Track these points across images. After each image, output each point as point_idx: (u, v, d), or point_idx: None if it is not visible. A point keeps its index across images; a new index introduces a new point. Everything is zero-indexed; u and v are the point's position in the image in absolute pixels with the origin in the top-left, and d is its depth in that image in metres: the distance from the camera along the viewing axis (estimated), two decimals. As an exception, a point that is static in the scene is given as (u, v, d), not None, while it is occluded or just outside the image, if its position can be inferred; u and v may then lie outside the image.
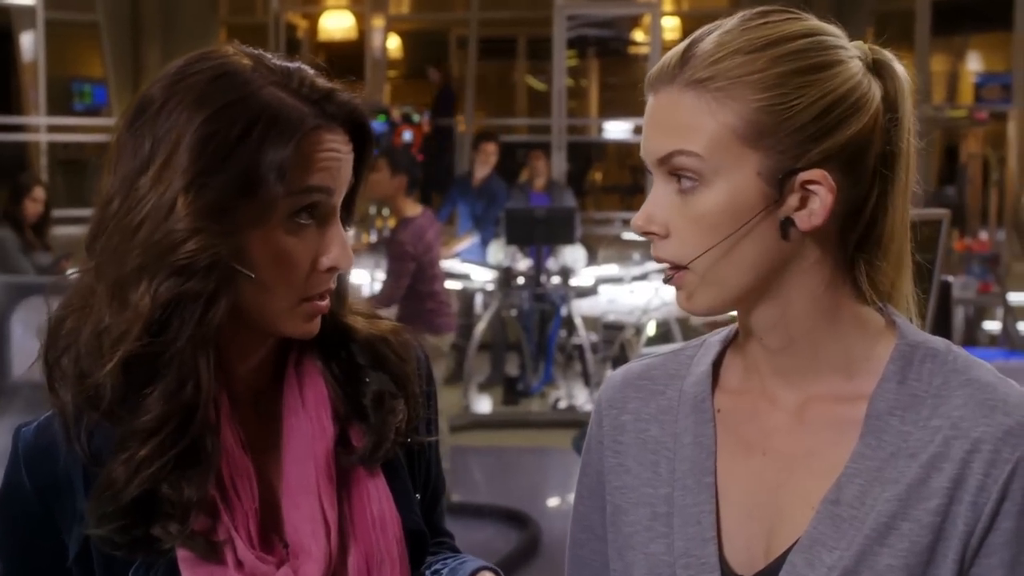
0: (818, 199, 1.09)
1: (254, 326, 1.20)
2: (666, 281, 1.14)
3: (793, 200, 1.09)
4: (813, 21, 1.12)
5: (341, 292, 1.26)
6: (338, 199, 1.19)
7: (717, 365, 1.22)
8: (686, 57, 1.11)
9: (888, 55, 1.14)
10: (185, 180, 1.12)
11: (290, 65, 1.19)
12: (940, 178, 10.47)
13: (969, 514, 1.08)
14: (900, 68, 1.14)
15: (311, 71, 1.20)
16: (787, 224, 1.09)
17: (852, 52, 1.12)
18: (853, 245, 1.14)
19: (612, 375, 1.30)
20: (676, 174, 1.10)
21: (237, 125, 1.13)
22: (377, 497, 1.23)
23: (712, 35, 1.11)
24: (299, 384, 1.24)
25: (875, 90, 1.11)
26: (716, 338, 1.25)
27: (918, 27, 10.53)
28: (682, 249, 1.11)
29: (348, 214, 1.24)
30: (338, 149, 1.18)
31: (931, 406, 1.11)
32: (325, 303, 1.20)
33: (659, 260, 1.13)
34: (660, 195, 1.12)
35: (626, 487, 1.22)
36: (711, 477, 1.17)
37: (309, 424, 1.23)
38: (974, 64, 12.13)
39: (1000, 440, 1.08)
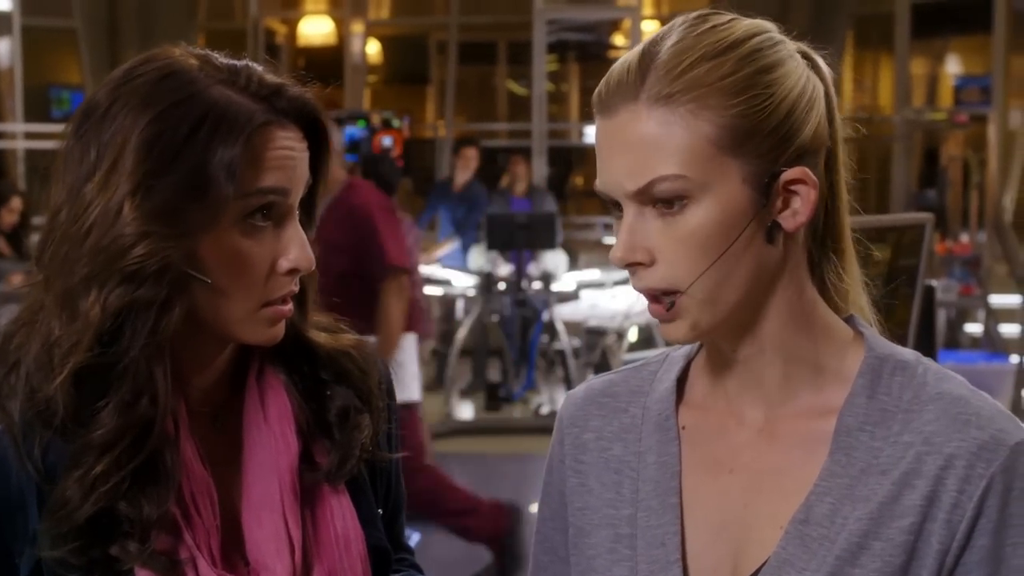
0: (799, 198, 1.07)
1: (212, 334, 1.16)
2: (659, 317, 1.07)
3: (778, 203, 1.06)
4: (751, 19, 1.09)
5: (304, 304, 1.22)
6: (295, 199, 1.16)
7: (681, 381, 1.19)
8: (643, 71, 1.05)
9: (808, 48, 1.11)
10: (132, 183, 1.09)
11: (237, 63, 1.16)
12: (921, 181, 10.48)
13: (944, 532, 1.04)
14: (822, 62, 1.11)
15: (259, 68, 1.17)
16: (773, 228, 1.06)
17: (791, 47, 1.09)
18: (818, 246, 1.12)
19: (573, 392, 1.26)
20: (657, 200, 1.05)
21: (184, 125, 1.10)
22: (341, 514, 1.20)
23: (665, 45, 1.06)
24: (261, 397, 1.21)
25: (818, 84, 1.09)
26: (679, 353, 1.21)
27: (897, 30, 10.56)
28: (673, 273, 1.05)
29: (309, 216, 1.21)
30: (291, 147, 1.15)
31: (902, 421, 1.08)
32: (288, 307, 1.17)
33: (646, 291, 1.07)
34: (636, 222, 1.06)
35: (588, 508, 1.18)
36: (676, 497, 1.13)
37: (272, 439, 1.19)
38: (953, 67, 12.17)
39: (974, 455, 1.04)
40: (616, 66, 1.08)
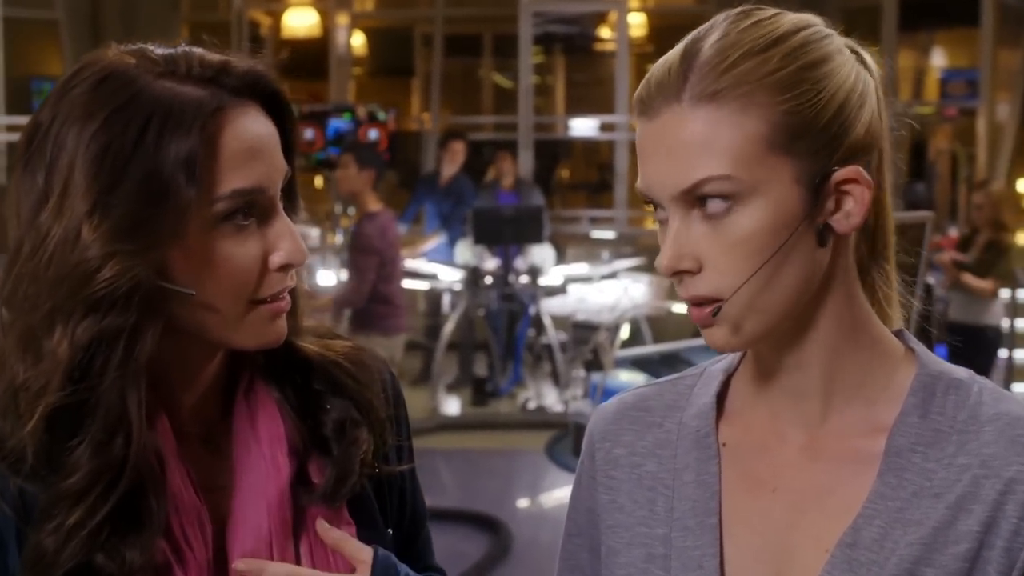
0: (852, 199, 1.01)
1: (200, 345, 1.09)
2: (701, 323, 1.02)
3: (830, 204, 1.01)
4: (797, 13, 1.04)
5: (294, 312, 1.14)
6: (275, 190, 1.07)
7: (721, 396, 1.13)
8: (685, 70, 0.99)
9: (857, 44, 1.07)
10: (87, 203, 1.01)
11: (174, 51, 1.07)
12: (909, 174, 10.47)
13: (1003, 560, 0.99)
14: (870, 58, 1.06)
15: (199, 50, 1.08)
16: (825, 230, 1.01)
17: (839, 42, 1.04)
18: (867, 251, 1.07)
19: (604, 405, 1.20)
20: (704, 200, 0.99)
21: (130, 129, 1.01)
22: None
23: (708, 41, 1.00)
24: (251, 416, 1.14)
25: (869, 80, 1.04)
26: (718, 367, 1.15)
27: (885, 23, 10.55)
28: (722, 280, 0.99)
29: (291, 199, 1.13)
30: (256, 132, 1.06)
31: (957, 443, 1.03)
32: (285, 303, 1.09)
33: (694, 299, 1.01)
34: (682, 227, 0.99)
35: (619, 526, 1.13)
36: (715, 517, 1.07)
37: (262, 461, 1.12)
38: (939, 60, 12.16)
39: None
40: (656, 66, 1.02)
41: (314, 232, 8.31)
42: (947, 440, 1.03)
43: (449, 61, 12.45)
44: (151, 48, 1.08)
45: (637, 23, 11.69)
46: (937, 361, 1.08)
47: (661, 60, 1.03)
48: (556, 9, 11.12)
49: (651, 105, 1.01)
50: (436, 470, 6.72)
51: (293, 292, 1.14)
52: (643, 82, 1.03)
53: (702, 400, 1.13)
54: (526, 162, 9.86)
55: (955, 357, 6.13)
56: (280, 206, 1.08)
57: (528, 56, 10.08)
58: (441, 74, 12.08)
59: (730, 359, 1.14)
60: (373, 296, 5.75)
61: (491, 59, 13.88)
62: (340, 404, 1.16)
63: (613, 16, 10.94)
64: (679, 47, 1.02)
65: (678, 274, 1.01)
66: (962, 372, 1.07)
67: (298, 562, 1.11)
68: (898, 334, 1.09)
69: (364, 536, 1.14)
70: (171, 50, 1.07)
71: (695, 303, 1.01)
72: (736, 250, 0.99)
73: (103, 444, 1.02)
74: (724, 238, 0.99)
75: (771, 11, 1.03)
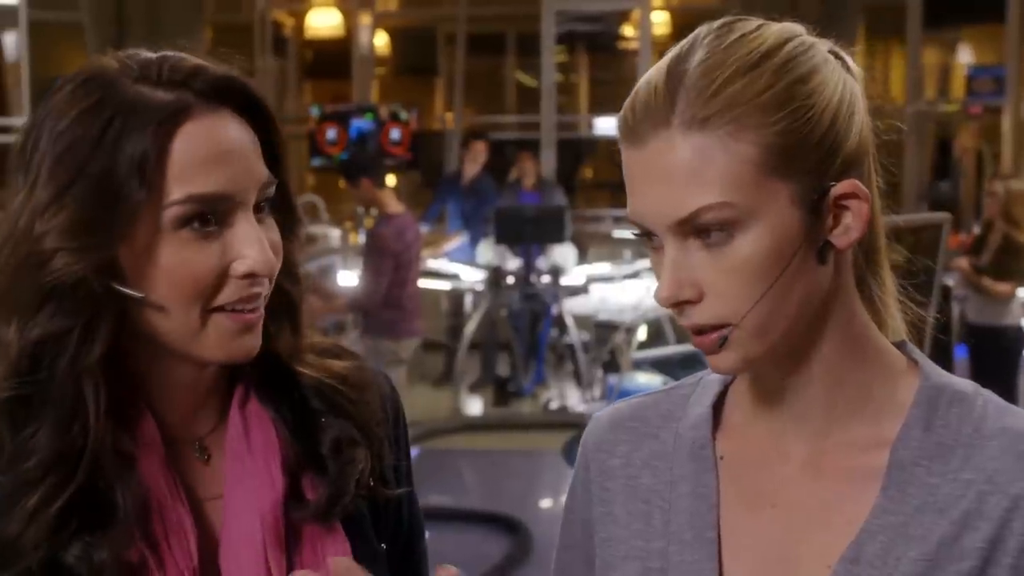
0: (850, 213, 0.99)
1: (176, 355, 1.08)
2: (706, 349, 0.99)
3: (828, 220, 0.98)
4: (779, 23, 1.01)
5: (295, 328, 1.13)
6: (244, 197, 1.05)
7: (718, 406, 1.11)
8: (672, 93, 0.96)
9: (836, 47, 1.03)
10: (46, 197, 1.02)
11: (155, 55, 1.07)
12: (933, 173, 10.41)
13: None
14: (851, 61, 1.04)
15: (183, 55, 1.07)
16: (825, 247, 0.99)
17: (823, 50, 1.01)
18: (863, 262, 1.05)
19: (599, 415, 1.18)
20: (701, 229, 0.96)
21: (93, 129, 1.02)
22: (334, 554, 1.10)
23: (692, 61, 0.97)
24: (245, 428, 1.12)
25: (855, 87, 1.01)
26: (715, 376, 1.12)
27: (909, 20, 10.48)
28: (725, 307, 0.97)
29: (288, 216, 1.11)
30: (221, 135, 1.04)
31: (962, 457, 1.00)
32: (253, 316, 1.06)
33: (696, 327, 0.99)
34: (680, 256, 0.97)
35: (614, 539, 1.10)
36: (712, 531, 1.05)
37: (256, 473, 1.11)
38: (965, 57, 12.08)
39: None
40: (640, 89, 0.99)
41: (335, 233, 8.32)
42: (951, 454, 1.01)
43: (472, 60, 12.44)
44: (141, 53, 1.08)
45: (660, 21, 11.65)
46: (941, 373, 1.05)
47: (644, 82, 0.99)
48: (579, 7, 11.10)
49: (637, 131, 0.98)
50: (458, 470, 6.72)
51: (294, 308, 1.13)
52: (627, 106, 1.00)
53: (698, 411, 1.11)
54: (549, 161, 9.85)
55: (978, 359, 6.09)
56: (251, 214, 1.06)
57: (551, 55, 10.06)
58: (464, 73, 12.08)
59: None
60: (387, 299, 5.74)
61: (514, 58, 13.86)
62: (337, 423, 1.14)
63: (636, 14, 10.90)
64: (662, 67, 0.99)
65: (678, 304, 0.98)
66: (966, 385, 1.05)
67: None
68: (900, 345, 1.07)
69: (358, 552, 1.13)
70: (153, 55, 1.07)
71: (698, 331, 0.99)
72: (738, 276, 0.96)
73: (58, 434, 1.02)
74: (725, 265, 0.96)
75: (754, 23, 1.00)
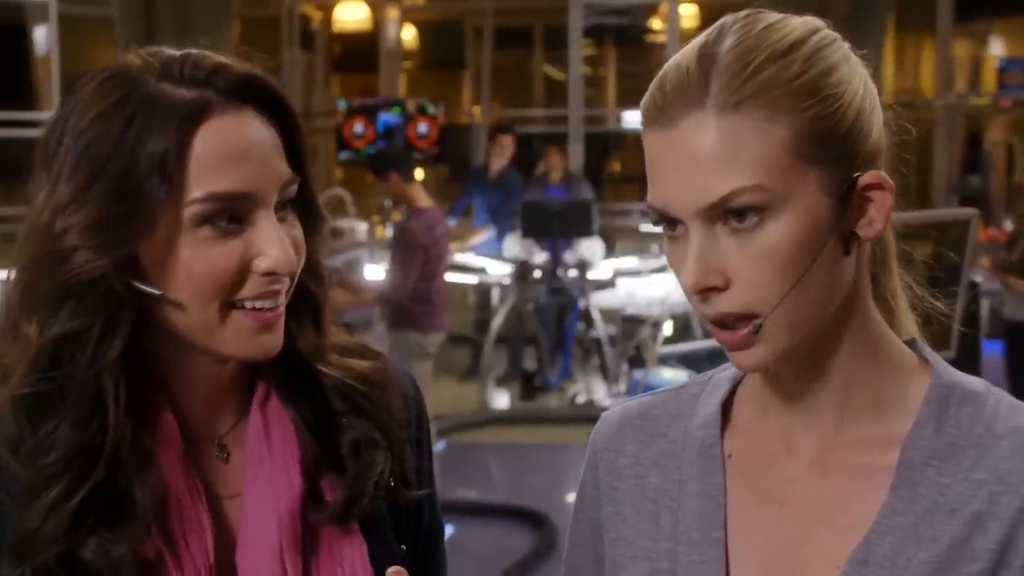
0: (874, 204, 0.98)
1: (198, 351, 1.08)
2: (731, 345, 0.97)
3: (855, 211, 0.98)
4: (803, 17, 1.01)
5: (318, 326, 1.13)
6: (265, 196, 1.05)
7: (727, 405, 1.10)
8: (705, 75, 0.95)
9: (850, 47, 1.03)
10: (68, 194, 1.03)
11: (179, 53, 1.07)
12: (964, 167, 10.33)
13: None
14: (863, 62, 1.03)
15: (206, 53, 1.07)
16: (851, 239, 0.98)
17: (845, 46, 1.01)
18: (878, 260, 1.05)
19: (608, 414, 1.17)
20: (731, 213, 0.95)
21: (115, 126, 1.02)
22: (351, 556, 1.11)
23: (724, 45, 0.97)
24: (265, 428, 1.12)
25: (873, 85, 1.01)
26: (724, 375, 1.11)
27: (940, 13, 10.41)
28: (753, 296, 0.95)
29: (310, 214, 1.11)
30: (242, 133, 1.04)
31: (972, 456, 0.99)
32: (273, 314, 1.07)
33: (721, 317, 0.97)
34: (708, 241, 0.95)
35: (623, 539, 1.10)
36: (720, 531, 1.04)
37: (275, 473, 1.11)
38: (996, 50, 11.99)
39: None
40: (669, 71, 0.98)
41: (362, 227, 8.34)
42: (962, 454, 0.99)
43: (500, 54, 12.44)
44: (165, 51, 1.08)
45: (688, 14, 11.62)
46: (951, 372, 1.04)
47: (673, 64, 0.99)
48: (607, 0, 11.08)
49: (668, 112, 0.96)
50: (484, 464, 6.73)
51: (317, 307, 1.13)
52: (655, 88, 0.99)
53: (707, 410, 1.10)
54: (576, 155, 9.83)
55: (1014, 355, 6.04)
56: (272, 212, 1.06)
57: (578, 48, 10.05)
58: (491, 67, 12.08)
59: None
60: (412, 293, 5.74)
61: (542, 51, 13.85)
62: (358, 424, 1.14)
63: (664, 7, 10.87)
64: (692, 51, 0.99)
65: (704, 292, 0.97)
66: (978, 384, 1.04)
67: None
68: (911, 343, 1.06)
69: (376, 554, 1.12)
70: (177, 53, 1.08)
71: (722, 321, 0.98)
72: (767, 263, 0.95)
73: (78, 430, 1.03)
74: (755, 251, 0.95)
75: (777, 15, 1.00)
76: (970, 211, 2.08)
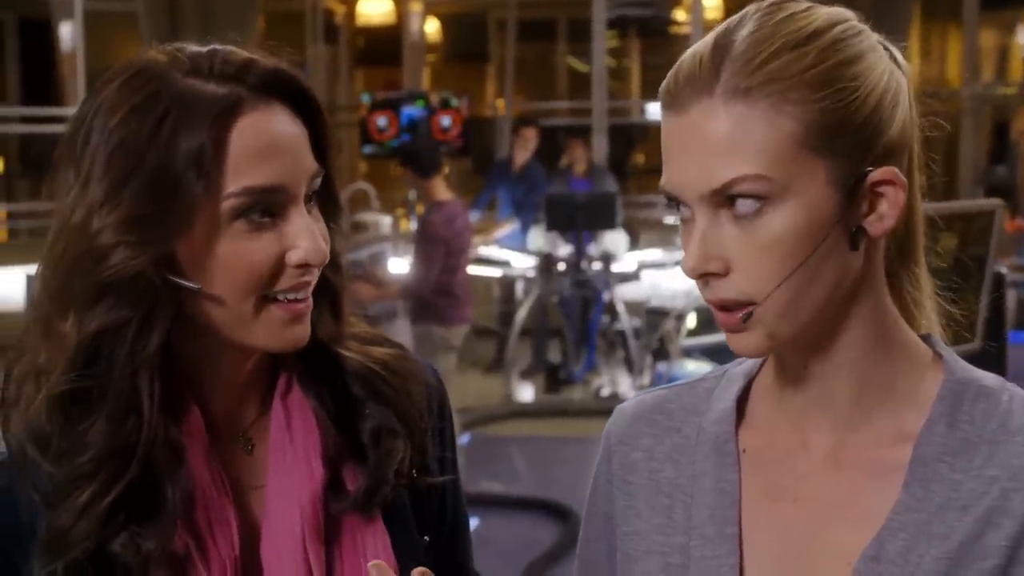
0: (886, 200, 0.98)
1: (227, 344, 1.09)
2: (729, 328, 0.98)
3: (864, 206, 0.98)
4: (831, 7, 1.01)
5: (337, 315, 1.14)
6: (296, 189, 1.07)
7: (741, 400, 1.10)
8: (718, 63, 0.96)
9: (886, 40, 1.03)
10: (101, 193, 1.03)
11: (205, 49, 1.08)
12: (990, 157, 10.26)
13: None
14: (900, 55, 1.03)
15: (232, 48, 1.08)
16: (858, 233, 0.98)
17: (873, 38, 1.01)
18: (895, 254, 1.04)
19: (622, 407, 1.17)
20: (734, 200, 0.95)
21: (147, 123, 1.03)
22: (373, 545, 1.12)
23: (740, 34, 0.97)
24: (287, 419, 1.14)
25: (902, 79, 1.01)
26: (739, 370, 1.11)
27: (966, 2, 10.33)
28: (752, 284, 0.96)
29: (331, 207, 1.12)
30: (275, 129, 1.06)
31: (986, 453, 0.99)
32: (303, 305, 1.09)
33: (720, 303, 0.98)
34: (710, 227, 0.96)
35: (636, 533, 1.10)
36: (734, 527, 1.04)
37: (296, 464, 1.12)
38: (1024, 38, 11.90)
39: None
40: (686, 58, 0.99)
41: (386, 220, 8.35)
42: (975, 450, 0.99)
43: (523, 46, 12.44)
44: (188, 46, 1.09)
45: (713, 5, 11.59)
46: (966, 367, 1.04)
47: (690, 52, 0.99)
48: (630, -8, 11.06)
49: (679, 98, 0.97)
50: (509, 457, 6.73)
51: (337, 294, 1.14)
52: (671, 74, 0.99)
53: (722, 405, 1.10)
54: (600, 147, 9.82)
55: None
56: (302, 205, 1.08)
57: (602, 40, 10.03)
58: (515, 59, 12.07)
59: (752, 362, 1.11)
60: (437, 287, 5.75)
61: (565, 44, 13.84)
62: (378, 412, 1.15)
63: (688, -1, 10.85)
64: (710, 39, 0.99)
65: (704, 276, 0.98)
66: (992, 379, 1.03)
67: (330, 570, 1.11)
68: (926, 338, 1.06)
69: (398, 543, 1.14)
70: (202, 49, 1.08)
71: (722, 307, 0.99)
72: (768, 252, 0.96)
73: (114, 428, 1.04)
74: (755, 240, 0.96)
75: (804, 4, 1.00)
76: (994, 202, 2.07)
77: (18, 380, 1.08)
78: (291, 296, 1.07)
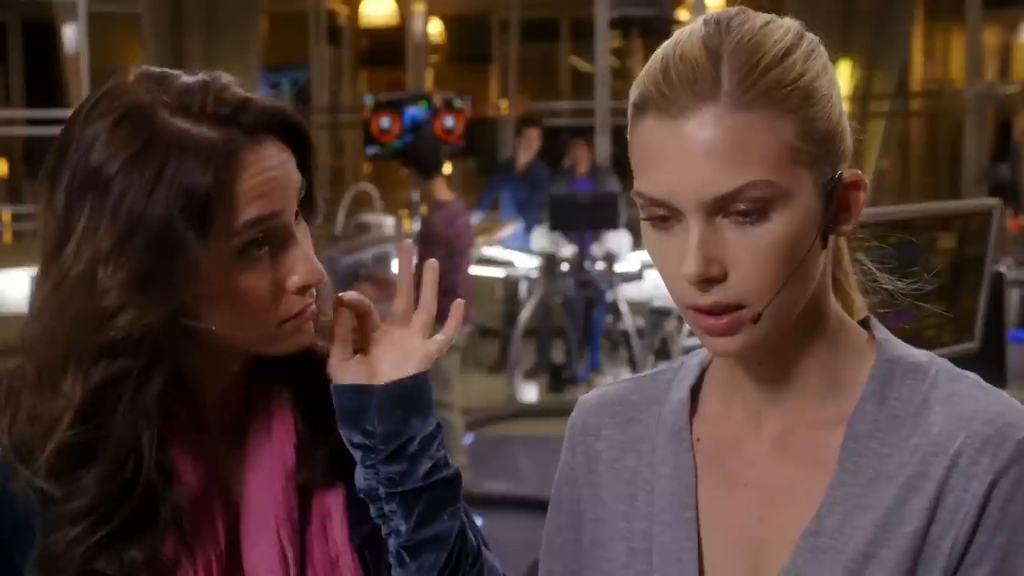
0: (853, 201, 1.04)
1: (227, 351, 1.13)
2: (716, 332, 1.00)
3: (837, 207, 1.02)
4: (783, 18, 1.03)
5: (322, 322, 1.17)
6: (289, 215, 1.10)
7: (696, 391, 1.14)
8: (716, 71, 0.97)
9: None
10: (105, 249, 1.03)
11: (193, 82, 1.08)
12: (993, 156, 10.26)
13: (949, 534, 0.99)
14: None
15: (223, 82, 1.08)
16: (827, 233, 1.02)
17: (822, 47, 1.05)
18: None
19: (586, 398, 1.21)
20: (735, 206, 0.97)
21: (146, 177, 1.03)
22: (332, 530, 1.17)
23: (730, 42, 0.99)
24: (267, 412, 1.18)
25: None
26: (693, 361, 1.16)
27: (969, 0, 10.33)
28: (749, 287, 0.99)
29: (308, 211, 1.15)
30: (271, 166, 1.08)
31: (910, 425, 1.04)
32: (308, 314, 1.13)
33: (717, 307, 0.99)
34: (710, 233, 0.98)
35: (601, 520, 1.14)
36: (691, 511, 1.09)
37: (271, 455, 1.16)
38: (1027, 37, 11.89)
39: (978, 451, 0.99)
40: (675, 63, 0.99)
41: (389, 221, 8.37)
42: (902, 424, 1.04)
43: (526, 47, 12.45)
44: (173, 75, 1.09)
45: (715, 6, 11.59)
46: (899, 346, 1.08)
47: (675, 56, 1.00)
48: (633, -8, 11.06)
49: (677, 103, 0.98)
50: (513, 457, 6.74)
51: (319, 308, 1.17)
52: (657, 77, 1.00)
53: (677, 395, 1.14)
54: (603, 147, 9.82)
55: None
56: (294, 231, 1.10)
57: (605, 40, 10.04)
58: (518, 60, 12.08)
59: (705, 353, 1.15)
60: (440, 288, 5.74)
61: (568, 44, 13.85)
62: None
63: (691, -2, 10.85)
64: (694, 43, 1.00)
65: (705, 281, 0.99)
66: (922, 356, 1.08)
67: (303, 551, 1.15)
68: (864, 322, 1.10)
69: (362, 530, 1.18)
70: (190, 80, 1.08)
71: (715, 311, 1.00)
72: (768, 256, 0.98)
73: (111, 474, 1.06)
74: (757, 244, 0.98)
75: (763, 14, 1.03)
76: (993, 201, 2.07)
77: (10, 400, 1.10)
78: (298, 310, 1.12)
